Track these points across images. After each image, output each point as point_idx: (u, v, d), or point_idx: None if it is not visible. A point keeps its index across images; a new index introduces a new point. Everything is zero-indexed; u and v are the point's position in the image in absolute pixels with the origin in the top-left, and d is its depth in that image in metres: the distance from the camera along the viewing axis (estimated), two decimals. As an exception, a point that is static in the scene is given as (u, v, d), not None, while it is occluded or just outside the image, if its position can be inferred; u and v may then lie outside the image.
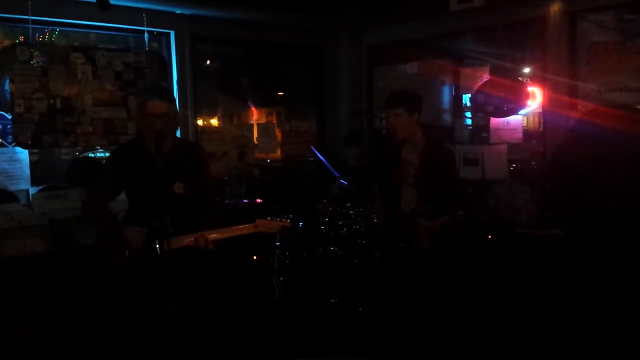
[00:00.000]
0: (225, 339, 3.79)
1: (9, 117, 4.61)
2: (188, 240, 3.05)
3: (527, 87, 5.29)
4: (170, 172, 3.12)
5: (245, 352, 3.90)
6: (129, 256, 3.03)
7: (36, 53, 4.60)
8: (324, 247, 4.57)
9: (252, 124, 6.37)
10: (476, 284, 4.04)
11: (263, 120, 6.53)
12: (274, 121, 6.57)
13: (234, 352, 3.82)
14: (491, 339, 3.67)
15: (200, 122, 5.93)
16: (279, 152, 6.53)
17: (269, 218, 3.12)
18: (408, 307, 3.80)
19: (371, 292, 4.28)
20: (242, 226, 3.10)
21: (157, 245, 2.98)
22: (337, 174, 4.88)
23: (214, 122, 6.19)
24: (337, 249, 4.55)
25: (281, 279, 4.60)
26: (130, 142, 3.42)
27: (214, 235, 3.06)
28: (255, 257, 4.85)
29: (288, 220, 3.14)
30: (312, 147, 5.35)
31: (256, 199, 5.42)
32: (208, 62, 6.22)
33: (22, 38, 4.85)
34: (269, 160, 6.30)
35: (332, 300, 4.40)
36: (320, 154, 6.60)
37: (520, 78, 5.51)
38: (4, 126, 4.70)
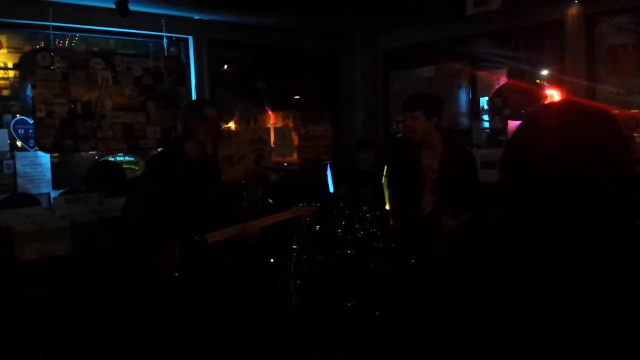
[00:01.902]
0: (241, 341, 3.80)
1: (31, 121, 4.68)
2: (233, 231, 3.27)
3: (544, 89, 5.26)
4: (207, 178, 3.43)
5: (260, 354, 3.92)
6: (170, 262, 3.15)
7: (57, 58, 4.68)
8: (341, 250, 4.59)
9: (269, 128, 6.41)
10: (481, 284, 3.99)
11: (279, 124, 6.56)
12: (290, 125, 6.61)
13: (249, 354, 3.83)
14: (493, 339, 3.61)
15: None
16: (295, 155, 6.56)
17: (301, 204, 3.49)
18: (416, 308, 3.81)
19: (383, 294, 4.29)
20: (281, 213, 3.46)
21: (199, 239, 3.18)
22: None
23: (231, 126, 6.23)
24: (354, 252, 4.56)
25: (298, 281, 4.61)
26: (172, 149, 3.59)
27: (258, 224, 3.33)
28: (272, 260, 4.88)
29: (318, 205, 3.55)
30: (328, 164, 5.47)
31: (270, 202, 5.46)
32: (225, 66, 6.27)
33: (42, 44, 4.94)
34: (285, 164, 6.32)
35: (349, 304, 4.41)
36: (336, 157, 6.65)
37: (537, 81, 5.48)
38: (26, 131, 4.77)
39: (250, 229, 3.29)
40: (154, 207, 3.28)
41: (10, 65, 4.98)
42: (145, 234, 3.27)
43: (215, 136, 3.58)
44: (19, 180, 4.67)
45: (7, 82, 4.99)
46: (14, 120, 4.76)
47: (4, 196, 4.59)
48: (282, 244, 4.66)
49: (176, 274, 3.13)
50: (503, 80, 5.51)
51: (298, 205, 3.47)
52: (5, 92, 4.95)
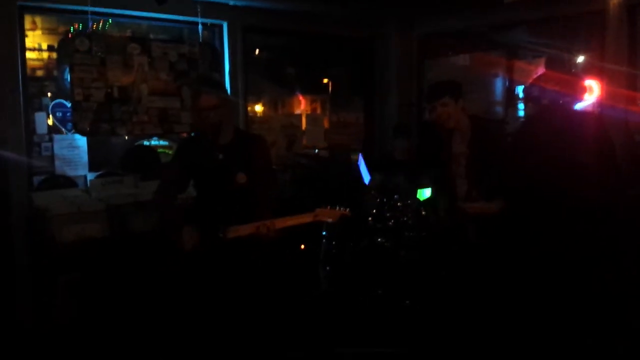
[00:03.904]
0: (270, 327, 3.84)
1: (69, 105, 4.77)
2: (250, 228, 3.10)
3: (584, 80, 5.14)
4: (232, 163, 3.20)
5: (289, 341, 3.95)
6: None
7: (95, 43, 4.73)
8: (371, 238, 4.58)
9: (301, 114, 6.41)
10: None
11: (312, 111, 6.56)
12: (322, 111, 6.60)
13: (278, 340, 3.86)
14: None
15: (250, 111, 6.00)
16: (326, 142, 6.56)
17: (328, 207, 3.15)
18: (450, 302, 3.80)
19: (413, 283, 4.28)
20: (302, 215, 3.14)
21: (220, 234, 3.07)
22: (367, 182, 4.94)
23: (264, 111, 6.25)
24: (384, 241, 4.56)
25: (327, 269, 4.63)
26: (194, 135, 3.52)
27: (276, 224, 3.09)
28: (302, 247, 4.90)
29: (348, 210, 3.16)
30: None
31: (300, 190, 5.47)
32: (259, 52, 6.27)
33: (76, 25, 5.02)
34: (317, 150, 6.33)
35: (379, 292, 4.41)
36: (367, 145, 6.61)
37: (576, 71, 5.35)
38: (64, 114, 4.87)
39: (265, 229, 3.07)
40: (174, 199, 3.29)
41: (44, 46, 5.08)
42: (164, 220, 3.31)
43: (213, 124, 3.16)
44: (57, 163, 4.79)
45: (42, 62, 5.10)
46: (52, 103, 4.86)
47: (43, 178, 4.70)
48: (312, 230, 4.67)
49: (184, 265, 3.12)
50: (541, 70, 5.40)
51: (322, 208, 3.15)
52: (40, 73, 5.05)
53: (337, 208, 3.16)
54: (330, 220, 3.15)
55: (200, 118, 3.21)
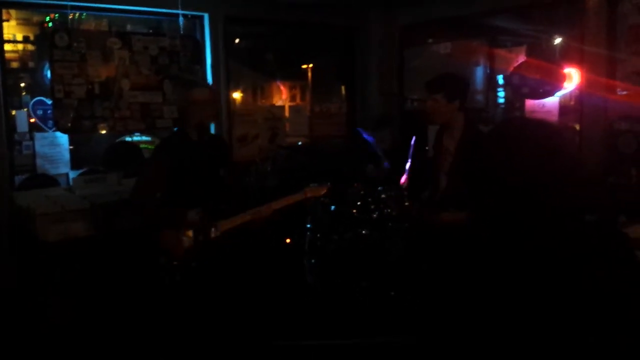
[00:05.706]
0: (255, 319, 3.87)
1: (49, 102, 4.71)
2: (244, 217, 3.20)
3: (564, 68, 5.19)
4: (213, 159, 3.34)
5: (274, 332, 3.98)
6: (192, 242, 3.14)
7: (74, 38, 4.65)
8: (355, 230, 4.62)
9: (283, 106, 6.40)
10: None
11: (294, 102, 6.55)
12: (305, 102, 6.59)
13: (264, 332, 3.89)
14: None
15: (232, 104, 5.98)
16: (309, 133, 6.57)
17: (312, 185, 3.42)
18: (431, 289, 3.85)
19: (398, 275, 4.33)
20: (294, 195, 3.37)
21: (213, 228, 3.14)
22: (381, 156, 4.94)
23: (247, 103, 6.23)
24: (369, 232, 4.60)
25: (312, 261, 4.67)
26: (175, 134, 3.53)
27: (273, 206, 3.26)
28: (288, 240, 4.93)
29: (329, 183, 3.46)
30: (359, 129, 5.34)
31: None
32: (240, 44, 6.23)
33: (52, 15, 4.97)
34: (300, 143, 6.33)
35: (363, 284, 4.46)
36: (350, 135, 6.63)
37: (556, 59, 5.40)
38: (45, 111, 4.82)
39: (261, 214, 3.22)
40: (159, 193, 3.31)
41: (19, 37, 5.02)
42: (150, 220, 3.30)
43: (207, 118, 3.37)
44: (38, 161, 4.75)
45: (17, 54, 5.02)
46: (32, 101, 4.80)
47: (24, 177, 4.66)
48: (297, 223, 4.70)
49: (193, 264, 3.14)
50: (522, 58, 5.44)
51: (310, 186, 3.41)
52: (15, 65, 4.98)
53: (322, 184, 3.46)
54: (319, 194, 3.43)
55: (194, 112, 3.25)
